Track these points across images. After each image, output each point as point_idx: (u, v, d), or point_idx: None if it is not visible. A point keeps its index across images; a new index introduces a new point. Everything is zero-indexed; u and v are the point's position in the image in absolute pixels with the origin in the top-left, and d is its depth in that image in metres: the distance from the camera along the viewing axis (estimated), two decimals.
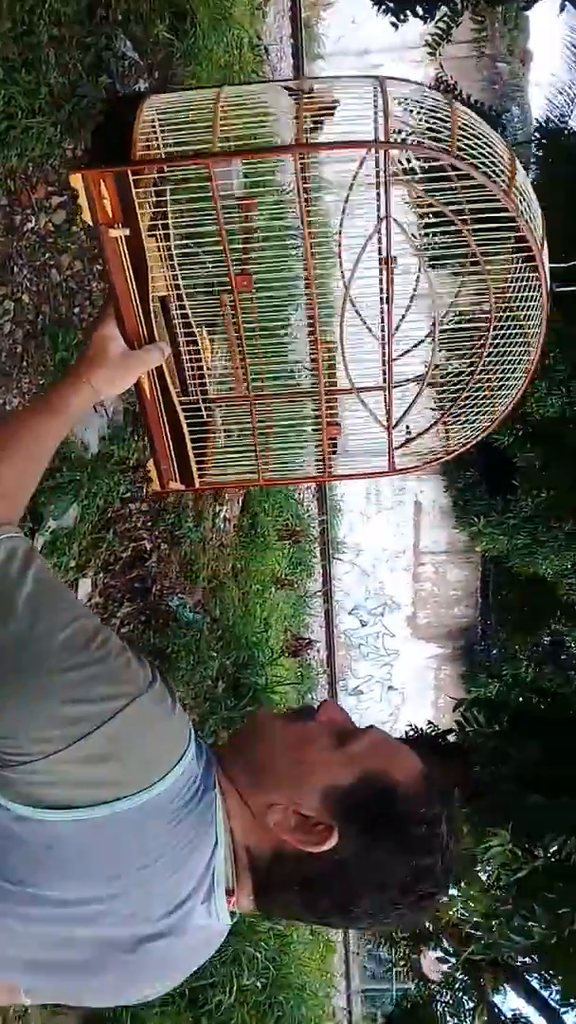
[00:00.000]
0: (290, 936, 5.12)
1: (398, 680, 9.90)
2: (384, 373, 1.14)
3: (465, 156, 0.93)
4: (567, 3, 2.88)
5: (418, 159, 0.99)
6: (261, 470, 1.26)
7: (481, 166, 0.94)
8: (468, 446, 1.22)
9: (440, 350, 1.12)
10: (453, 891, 2.48)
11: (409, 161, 1.02)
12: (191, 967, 0.98)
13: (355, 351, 1.18)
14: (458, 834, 0.98)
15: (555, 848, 2.21)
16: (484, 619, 9.61)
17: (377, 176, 1.02)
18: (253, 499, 5.90)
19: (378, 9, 3.27)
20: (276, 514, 6.50)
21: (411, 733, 3.58)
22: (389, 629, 9.79)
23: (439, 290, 1.08)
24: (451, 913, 2.49)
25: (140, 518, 4.03)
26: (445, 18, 3.26)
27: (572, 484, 3.67)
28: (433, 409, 1.22)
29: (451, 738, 3.14)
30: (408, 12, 3.21)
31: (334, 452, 1.26)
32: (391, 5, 3.21)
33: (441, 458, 1.24)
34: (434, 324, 1.07)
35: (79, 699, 0.82)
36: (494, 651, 9.24)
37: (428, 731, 3.40)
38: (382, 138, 0.96)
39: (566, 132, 3.86)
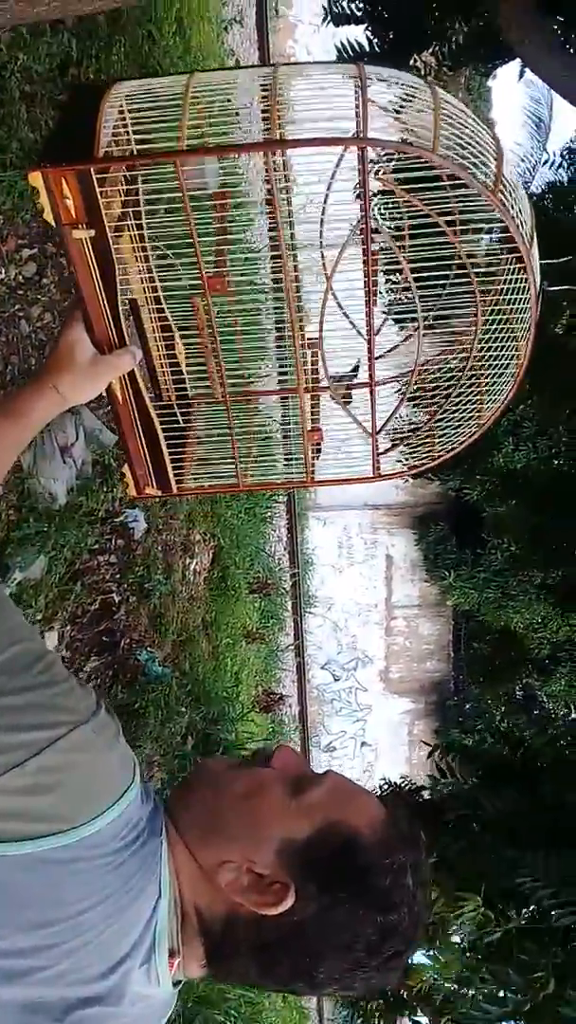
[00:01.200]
0: (260, 1003, 4.95)
1: (371, 736, 9.79)
2: (368, 371, 1.10)
3: (449, 154, 0.88)
4: (525, 70, 2.99)
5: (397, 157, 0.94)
6: (241, 476, 1.21)
7: (466, 164, 0.89)
8: (455, 452, 1.18)
9: (423, 357, 1.08)
10: (425, 959, 2.42)
11: (389, 161, 0.98)
12: None
13: (336, 355, 1.15)
14: (427, 884, 0.90)
15: (532, 905, 2.16)
16: (457, 673, 9.58)
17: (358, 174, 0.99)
18: (223, 551, 5.87)
19: None
20: (247, 567, 6.47)
21: (385, 789, 3.52)
22: (362, 684, 9.72)
23: (423, 292, 1.05)
24: (424, 979, 2.41)
25: (109, 570, 3.98)
26: None
27: (537, 537, 3.70)
28: (418, 415, 1.19)
29: (425, 795, 3.10)
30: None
31: (317, 456, 1.20)
32: None
33: (427, 465, 1.19)
34: (418, 325, 1.03)
35: (15, 726, 0.76)
36: (467, 705, 9.20)
37: (402, 786, 3.34)
38: (362, 132, 0.89)
39: (529, 196, 3.98)
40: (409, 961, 2.65)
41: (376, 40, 3.24)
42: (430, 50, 3.28)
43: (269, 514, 7.34)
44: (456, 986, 2.28)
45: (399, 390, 1.19)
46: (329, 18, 3.34)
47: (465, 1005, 2.09)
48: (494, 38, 2.92)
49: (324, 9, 3.31)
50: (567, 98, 2.71)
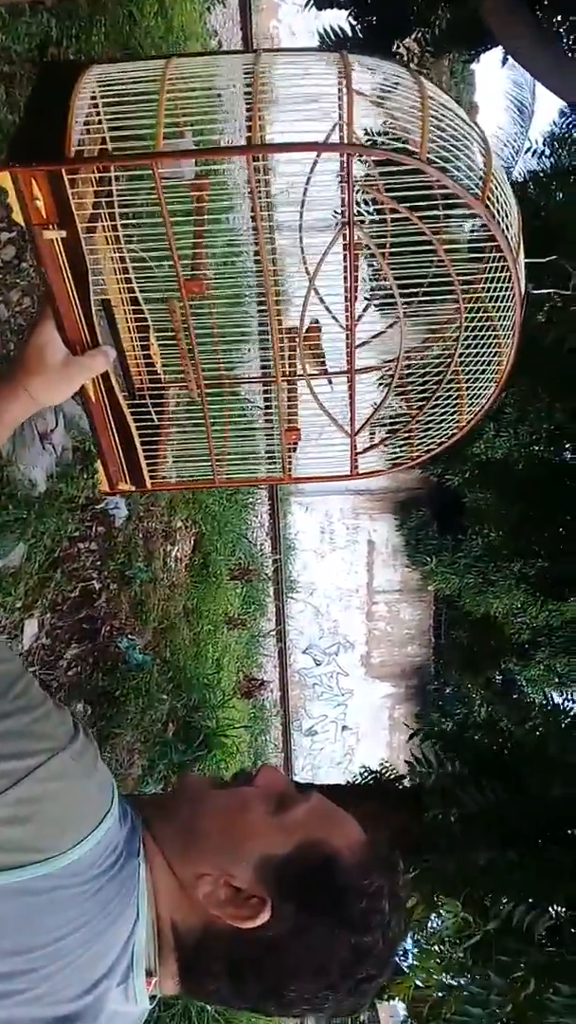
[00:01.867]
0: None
1: (352, 720, 9.85)
2: (348, 358, 1.07)
3: (436, 160, 0.85)
4: (508, 56, 2.97)
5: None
6: (217, 471, 1.19)
7: (452, 168, 0.86)
8: (433, 453, 1.16)
9: (404, 358, 1.06)
10: (406, 965, 2.43)
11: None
12: None
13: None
14: (404, 908, 0.90)
15: (505, 911, 2.17)
16: (437, 658, 9.64)
17: (341, 190, 0.95)
18: (205, 538, 5.86)
19: None
20: (229, 553, 6.46)
21: (365, 775, 3.53)
22: (343, 668, 9.76)
23: (404, 287, 1.02)
24: (408, 976, 2.43)
25: (89, 557, 3.97)
26: None
27: (517, 526, 3.72)
28: (396, 416, 1.17)
29: (406, 783, 3.11)
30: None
31: (292, 451, 1.18)
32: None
33: (405, 464, 1.18)
34: (399, 319, 1.00)
35: None
36: (447, 690, 9.27)
37: (382, 773, 3.35)
38: (346, 134, 0.85)
39: (512, 183, 3.97)
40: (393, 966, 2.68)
41: (359, 26, 3.21)
42: (413, 36, 3.25)
43: (251, 500, 7.33)
44: (438, 993, 2.29)
45: (381, 380, 1.18)
46: (312, 2, 3.31)
47: (448, 1009, 2.11)
48: (478, 24, 2.90)
49: None
50: (548, 87, 2.70)
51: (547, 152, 3.78)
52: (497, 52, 3.76)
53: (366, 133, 0.94)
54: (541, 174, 3.37)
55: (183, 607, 5.44)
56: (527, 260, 0.98)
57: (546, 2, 2.79)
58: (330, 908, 0.85)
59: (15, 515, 3.18)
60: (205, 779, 0.99)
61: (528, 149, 3.98)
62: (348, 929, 0.85)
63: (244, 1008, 0.92)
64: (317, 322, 1.14)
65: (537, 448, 4.92)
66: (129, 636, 4.36)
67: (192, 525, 5.66)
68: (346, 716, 9.86)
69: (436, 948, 2.21)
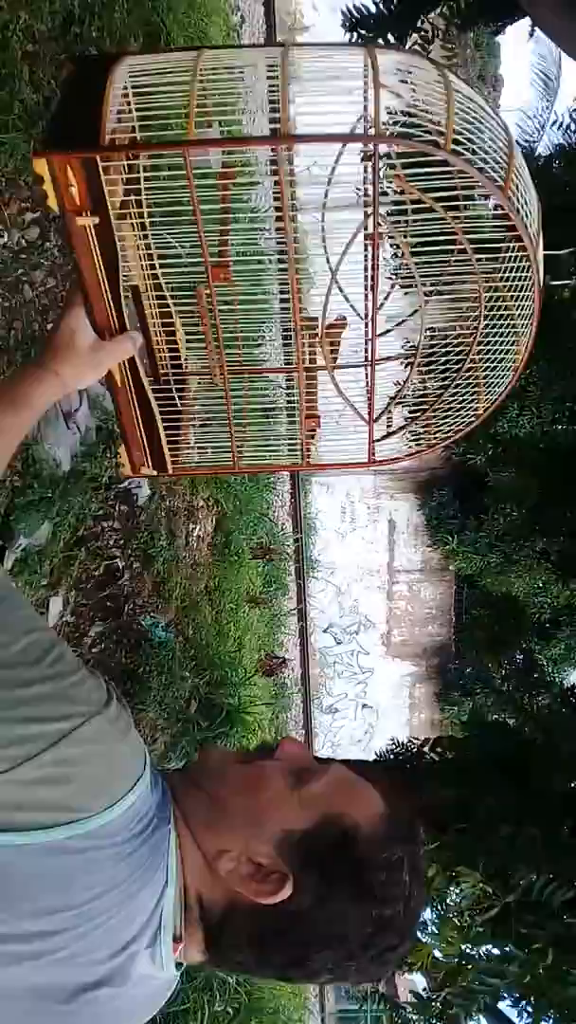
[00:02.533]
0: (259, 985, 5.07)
1: (373, 698, 9.89)
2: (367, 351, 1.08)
3: (461, 150, 0.86)
4: (535, 29, 2.93)
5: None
6: (236, 457, 1.21)
7: (478, 159, 0.87)
8: (450, 440, 1.18)
9: (425, 341, 1.06)
10: (425, 936, 2.46)
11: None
12: (140, 1018, 0.90)
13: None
14: (424, 879, 0.92)
15: (524, 884, 2.19)
16: (458, 638, 9.65)
17: (364, 168, 0.96)
18: (227, 517, 5.88)
19: (351, 35, 3.30)
20: (250, 532, 6.49)
21: (394, 748, 3.55)
22: (364, 647, 9.79)
23: (422, 278, 1.02)
24: (427, 945, 2.45)
25: (113, 536, 4.00)
26: (417, 44, 3.30)
27: (540, 502, 3.70)
28: (414, 404, 1.18)
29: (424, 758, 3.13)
30: (380, 38, 3.24)
31: (311, 438, 1.20)
32: (363, 32, 3.24)
33: (423, 451, 1.20)
34: (420, 305, 1.01)
35: (28, 718, 0.77)
36: (468, 669, 9.27)
37: (409, 748, 3.37)
38: (371, 124, 0.86)
39: (535, 157, 3.91)
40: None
41: (383, 3, 3.17)
42: (438, 10, 3.21)
43: (272, 480, 7.34)
44: (457, 960, 2.31)
45: (405, 361, 1.18)
46: None
47: (466, 978, 2.13)
48: None
49: None
50: (573, 57, 2.66)
51: (573, 127, 3.72)
52: (523, 24, 3.70)
53: (389, 113, 0.94)
54: (568, 147, 3.32)
55: (205, 586, 5.47)
56: (546, 252, 0.98)
57: None
58: (351, 881, 0.87)
59: (40, 494, 3.21)
60: (227, 752, 1.01)
61: (554, 123, 3.92)
62: (369, 901, 0.86)
63: (268, 976, 0.94)
64: (344, 318, 1.15)
65: (560, 427, 4.89)
66: (152, 614, 4.40)
67: (214, 504, 5.68)
68: (366, 695, 9.90)
69: (454, 918, 2.23)
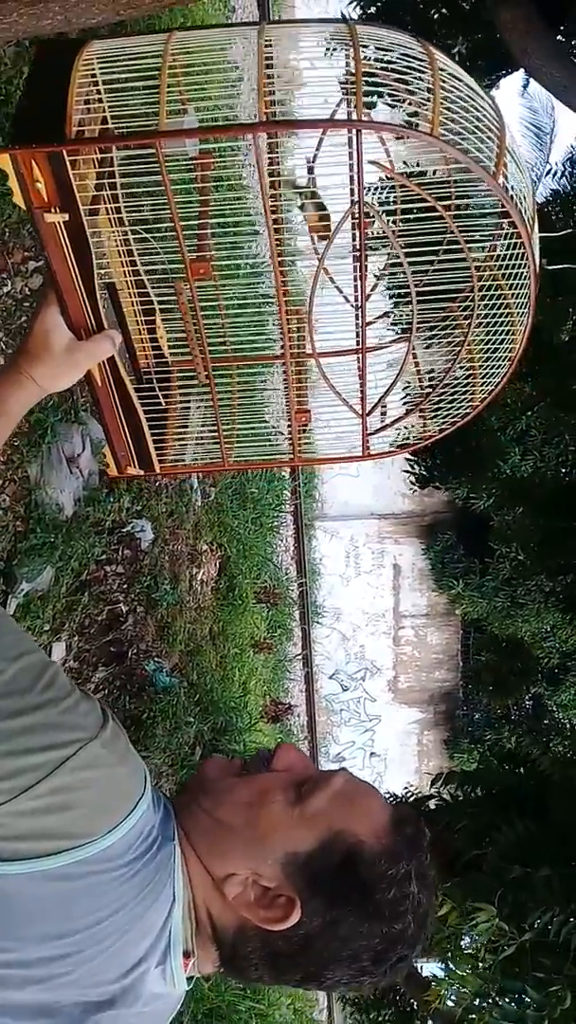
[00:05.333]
0: (271, 1016, 4.93)
1: (380, 746, 9.76)
2: (358, 337, 1.05)
3: (447, 133, 0.82)
4: (529, 81, 3.00)
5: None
6: (226, 454, 1.17)
7: (467, 144, 0.83)
8: (445, 433, 1.14)
9: (419, 330, 1.03)
10: (440, 971, 2.39)
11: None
12: None
13: (326, 325, 1.11)
14: (432, 886, 0.90)
15: (541, 924, 2.14)
16: (466, 683, 9.54)
17: (350, 155, 0.92)
18: (231, 561, 5.87)
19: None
20: (254, 576, 6.46)
21: (390, 800, 3.49)
22: (370, 694, 9.69)
23: (414, 267, 0.99)
24: (441, 995, 2.38)
25: (116, 580, 3.99)
26: None
27: (545, 545, 3.68)
28: (409, 396, 1.15)
29: (432, 804, 3.08)
30: None
31: (303, 433, 1.17)
32: None
33: (417, 445, 1.17)
34: (411, 291, 0.96)
35: (22, 749, 0.75)
36: (476, 715, 9.16)
37: (407, 798, 3.32)
38: (354, 112, 0.82)
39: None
40: (426, 975, 2.63)
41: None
42: None
43: (276, 524, 7.34)
44: (474, 1000, 2.25)
45: (398, 348, 1.15)
46: None
47: (482, 1020, 2.07)
48: (498, 49, 2.93)
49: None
50: (570, 106, 2.72)
51: (569, 172, 3.79)
52: (516, 79, 3.79)
53: (368, 94, 0.87)
54: (563, 192, 3.38)
55: (209, 630, 5.44)
56: (541, 235, 0.96)
57: (563, 20, 2.82)
58: (359, 901, 0.86)
59: (43, 539, 3.21)
60: (225, 765, 0.98)
61: (549, 172, 3.99)
62: (378, 920, 0.86)
63: (286, 985, 0.93)
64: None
65: (564, 470, 4.89)
66: (156, 659, 4.36)
67: (217, 548, 5.67)
68: (374, 743, 9.77)
69: (470, 956, 2.17)
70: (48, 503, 3.30)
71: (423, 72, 0.87)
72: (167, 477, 4.49)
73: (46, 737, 0.77)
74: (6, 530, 3.10)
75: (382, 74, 0.86)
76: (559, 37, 2.87)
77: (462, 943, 2.30)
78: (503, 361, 1.07)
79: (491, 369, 1.09)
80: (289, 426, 1.16)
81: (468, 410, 1.12)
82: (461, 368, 1.09)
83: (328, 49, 0.94)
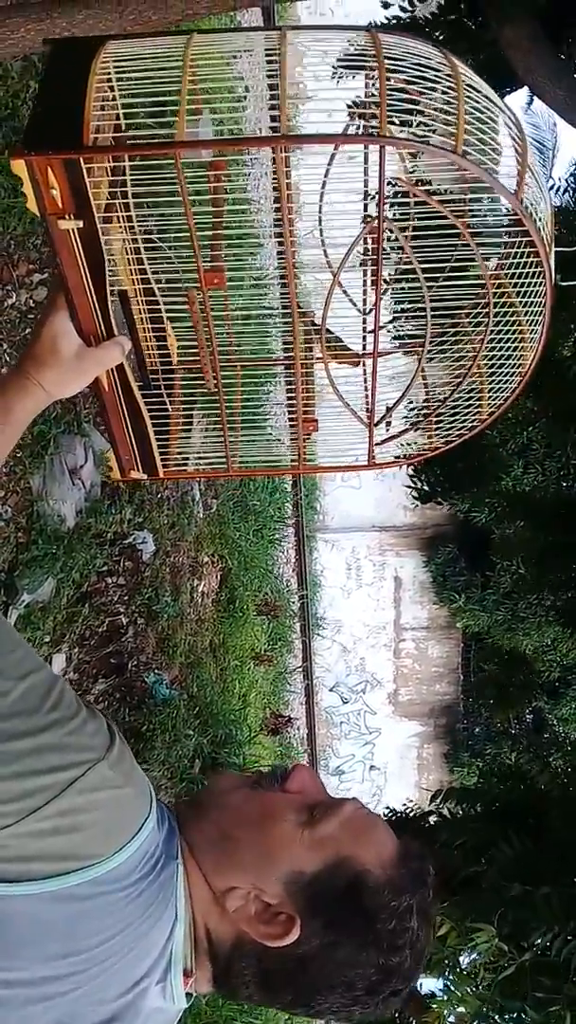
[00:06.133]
0: None
1: (380, 759, 9.72)
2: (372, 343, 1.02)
3: (472, 152, 0.80)
4: (533, 98, 3.01)
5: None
6: (231, 460, 1.15)
7: (489, 160, 0.81)
8: (452, 446, 1.14)
9: (431, 340, 1.02)
10: (439, 992, 2.37)
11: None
12: None
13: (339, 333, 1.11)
14: (432, 922, 0.90)
15: (541, 943, 2.12)
16: (467, 696, 9.52)
17: (366, 171, 0.93)
18: (231, 573, 5.86)
19: (337, 81, 3.39)
20: (255, 588, 6.46)
21: (389, 815, 3.48)
22: (371, 707, 9.66)
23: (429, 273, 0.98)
24: (442, 1015, 2.36)
25: (117, 592, 3.99)
26: None
27: (546, 558, 3.68)
28: (416, 409, 1.15)
29: (432, 819, 3.06)
30: None
31: (308, 440, 1.16)
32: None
33: (424, 455, 1.15)
34: (425, 300, 0.95)
35: (29, 771, 0.75)
36: (477, 729, 9.13)
37: (406, 813, 3.31)
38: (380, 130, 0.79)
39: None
40: (423, 996, 2.61)
41: None
42: None
43: (277, 536, 7.34)
44: (473, 1022, 2.23)
45: (407, 360, 1.14)
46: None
47: None
48: (501, 67, 2.94)
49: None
50: (568, 121, 2.72)
51: (571, 190, 3.81)
52: (520, 96, 3.81)
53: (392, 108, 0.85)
54: (568, 208, 3.39)
55: (210, 642, 5.43)
56: (557, 249, 0.94)
57: (567, 37, 2.83)
58: (359, 928, 0.85)
59: (44, 550, 3.21)
60: (237, 779, 0.98)
61: (551, 188, 4.01)
62: (376, 950, 0.85)
63: (277, 1008, 0.93)
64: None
65: (565, 484, 4.89)
66: (156, 671, 4.36)
67: (219, 560, 5.67)
68: (374, 756, 9.74)
69: (470, 976, 2.15)
70: (50, 514, 3.30)
71: (442, 83, 0.85)
72: (170, 484, 4.48)
73: (53, 758, 0.76)
74: (8, 541, 3.10)
75: (410, 89, 0.84)
76: (562, 56, 2.88)
77: (461, 962, 2.29)
78: (511, 376, 1.07)
79: (499, 384, 1.09)
80: (294, 435, 1.15)
81: (475, 423, 1.12)
82: (469, 383, 1.08)
83: (339, 76, 0.92)
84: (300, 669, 8.57)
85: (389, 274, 1.14)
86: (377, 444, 1.13)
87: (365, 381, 1.10)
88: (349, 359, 1.16)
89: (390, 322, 1.17)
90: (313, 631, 8.78)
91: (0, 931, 0.76)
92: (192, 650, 4.97)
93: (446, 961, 2.19)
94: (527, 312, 1.01)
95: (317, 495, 8.78)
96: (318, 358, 1.12)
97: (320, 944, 0.85)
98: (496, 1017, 2.13)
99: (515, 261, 0.96)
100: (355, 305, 1.13)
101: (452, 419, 1.13)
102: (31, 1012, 0.78)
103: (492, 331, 1.00)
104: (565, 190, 3.88)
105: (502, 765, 5.41)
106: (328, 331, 1.08)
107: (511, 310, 1.02)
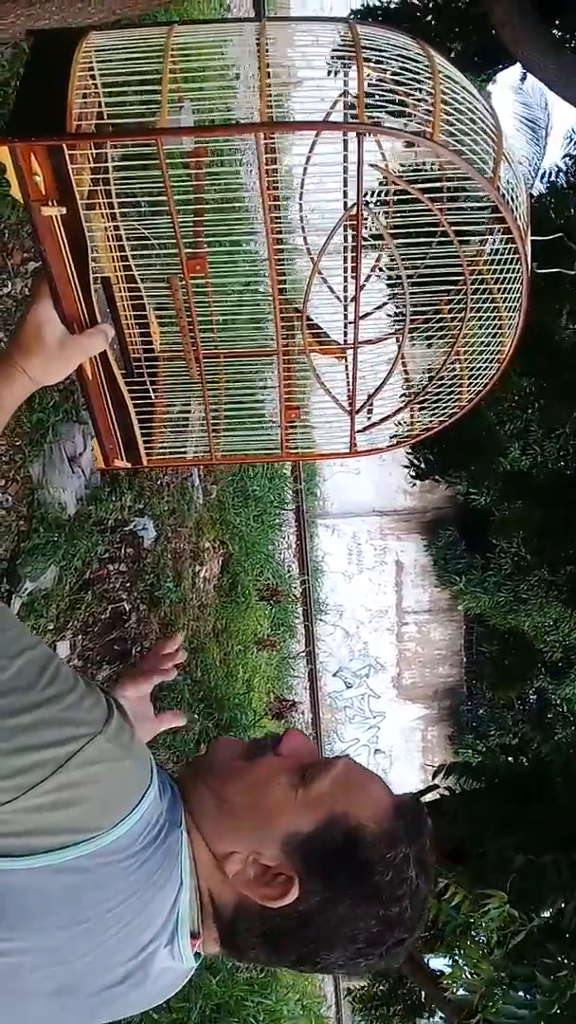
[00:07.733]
0: (279, 1011, 4.95)
1: (385, 743, 9.77)
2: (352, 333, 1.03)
3: (448, 139, 0.81)
4: (526, 75, 3.01)
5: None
6: (214, 448, 1.17)
7: (466, 148, 0.82)
8: (433, 432, 1.15)
9: (410, 330, 1.03)
10: (445, 967, 2.41)
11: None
12: (153, 1004, 0.92)
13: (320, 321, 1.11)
14: (431, 871, 0.91)
15: (551, 911, 2.16)
16: (469, 678, 9.56)
17: (345, 158, 0.94)
18: (233, 559, 5.89)
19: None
20: (257, 574, 6.48)
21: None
22: (374, 690, 9.70)
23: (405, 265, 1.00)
24: (453, 985, 2.40)
25: (119, 579, 4.01)
26: None
27: (545, 536, 3.71)
28: (396, 393, 1.16)
29: (436, 794, 3.09)
30: None
31: (291, 429, 1.17)
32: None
33: (405, 442, 1.17)
34: (405, 287, 0.97)
35: (27, 747, 0.75)
36: (480, 711, 9.17)
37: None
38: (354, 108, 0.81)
39: (531, 199, 3.98)
40: (436, 968, 2.65)
41: None
42: None
43: (278, 521, 7.36)
44: (485, 987, 2.26)
45: (389, 349, 1.16)
46: None
47: (493, 1007, 2.09)
48: (494, 45, 2.94)
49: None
50: (566, 99, 2.73)
51: (565, 170, 3.79)
52: (514, 72, 3.81)
53: (370, 95, 0.87)
54: (560, 186, 3.39)
55: (212, 627, 5.46)
56: (533, 239, 0.96)
57: (557, 13, 2.83)
58: (356, 884, 0.87)
59: (46, 538, 3.23)
60: (234, 746, 1.00)
61: (541, 174, 4.00)
62: (375, 902, 0.87)
63: (284, 967, 0.96)
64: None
65: (563, 464, 4.90)
66: None
67: (220, 546, 5.69)
68: (378, 739, 9.79)
69: (481, 944, 2.19)
70: (51, 502, 3.32)
71: (421, 74, 0.87)
72: (169, 470, 4.50)
73: (50, 734, 0.77)
74: (9, 530, 3.12)
75: (387, 79, 0.86)
76: (555, 31, 2.88)
77: (472, 932, 2.32)
78: (491, 362, 1.09)
79: (479, 369, 1.10)
80: (277, 423, 1.16)
81: (456, 409, 1.13)
82: (450, 368, 1.10)
83: (331, 70, 0.93)
84: (303, 654, 8.61)
85: (371, 261, 1.16)
86: (360, 431, 1.15)
87: (347, 369, 1.10)
88: (332, 351, 1.17)
89: (369, 314, 1.18)
90: (315, 616, 8.81)
91: (5, 902, 0.78)
92: (195, 635, 5.00)
93: (459, 930, 2.22)
94: (505, 299, 1.02)
95: (317, 481, 8.79)
96: (300, 349, 1.13)
97: (320, 900, 0.86)
98: (507, 983, 2.16)
99: (494, 248, 0.98)
100: (337, 297, 1.14)
101: (434, 405, 1.14)
102: (30, 980, 0.80)
103: (471, 318, 1.02)
104: (558, 172, 3.86)
105: (506, 744, 5.44)
106: (310, 321, 1.09)
107: (490, 296, 1.04)
